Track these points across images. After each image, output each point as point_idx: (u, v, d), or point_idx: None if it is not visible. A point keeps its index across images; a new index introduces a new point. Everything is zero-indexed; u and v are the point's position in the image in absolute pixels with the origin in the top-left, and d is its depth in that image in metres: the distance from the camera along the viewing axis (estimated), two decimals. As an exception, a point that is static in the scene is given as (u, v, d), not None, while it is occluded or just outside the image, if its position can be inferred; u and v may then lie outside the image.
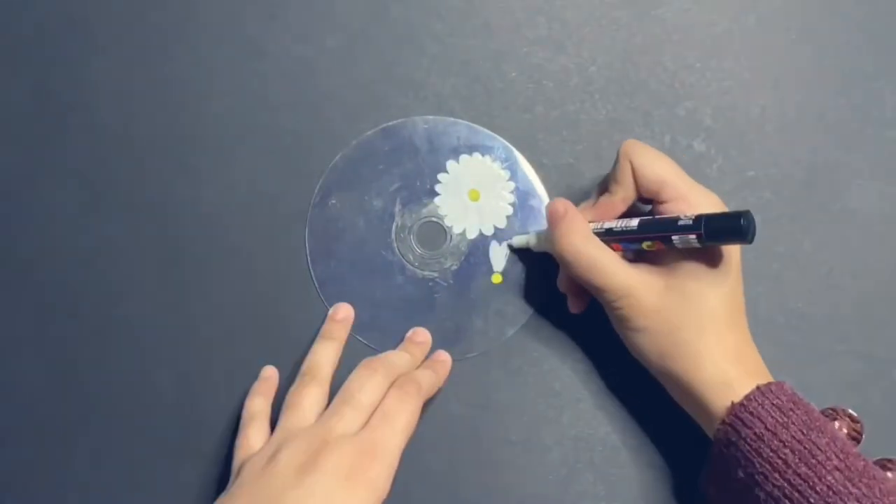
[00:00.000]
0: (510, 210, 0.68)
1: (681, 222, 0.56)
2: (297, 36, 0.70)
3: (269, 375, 0.65)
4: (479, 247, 0.68)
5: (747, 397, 0.55)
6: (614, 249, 0.61)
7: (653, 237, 0.58)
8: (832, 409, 0.59)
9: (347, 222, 0.68)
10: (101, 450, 0.65)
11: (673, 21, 0.71)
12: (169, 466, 0.65)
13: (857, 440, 0.58)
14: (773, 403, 0.54)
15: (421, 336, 0.66)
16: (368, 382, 0.59)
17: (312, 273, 0.67)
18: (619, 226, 0.60)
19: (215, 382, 0.66)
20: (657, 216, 0.59)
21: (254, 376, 0.65)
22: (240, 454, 0.59)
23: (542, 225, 0.66)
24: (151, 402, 0.66)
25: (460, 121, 0.69)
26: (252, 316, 0.67)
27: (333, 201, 0.68)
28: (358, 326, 0.66)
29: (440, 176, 0.68)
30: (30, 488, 0.65)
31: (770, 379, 0.57)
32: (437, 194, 0.68)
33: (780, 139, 0.69)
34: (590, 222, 0.62)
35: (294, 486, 0.53)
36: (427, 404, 0.62)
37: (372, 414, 0.58)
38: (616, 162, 0.61)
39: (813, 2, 0.71)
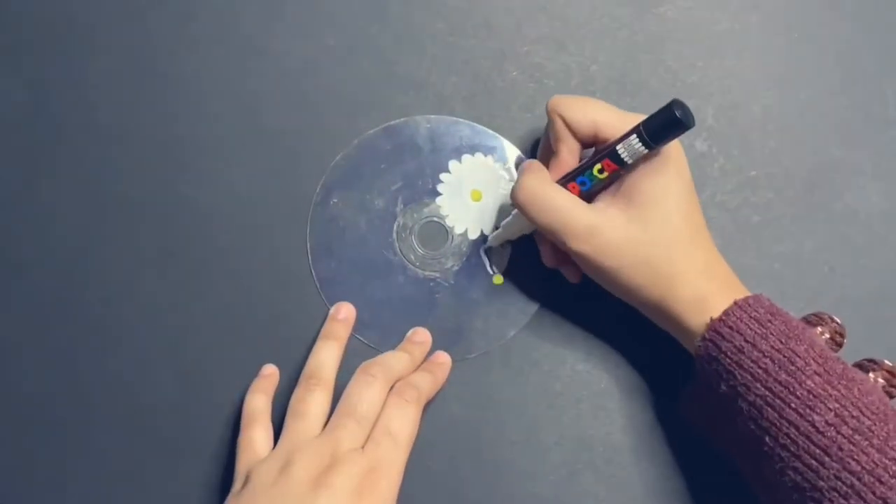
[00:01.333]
0: (512, 210, 0.67)
1: (620, 149, 0.58)
2: (296, 35, 0.70)
3: (270, 373, 0.65)
4: (481, 247, 0.68)
5: (726, 312, 0.56)
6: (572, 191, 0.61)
7: (600, 158, 0.59)
8: (816, 315, 0.59)
9: (349, 221, 0.68)
10: (101, 450, 0.65)
11: (674, 20, 0.71)
12: (169, 466, 0.65)
13: (839, 344, 0.58)
14: (751, 316, 0.55)
15: (421, 336, 0.66)
16: (368, 392, 0.60)
17: (313, 272, 0.67)
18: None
19: (216, 382, 0.66)
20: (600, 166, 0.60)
21: (254, 376, 0.65)
22: (244, 457, 0.60)
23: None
24: (151, 401, 0.66)
25: (463, 120, 0.69)
26: (253, 315, 0.67)
27: (335, 200, 0.68)
28: (358, 326, 0.66)
29: (442, 176, 0.68)
30: (30, 488, 0.65)
31: (745, 291, 0.58)
32: (438, 194, 0.68)
33: (781, 138, 0.69)
34: None
35: (308, 502, 0.54)
36: (426, 406, 0.62)
37: (375, 422, 0.59)
38: (548, 122, 0.62)
39: (815, 2, 0.71)
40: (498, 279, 0.67)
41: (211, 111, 0.69)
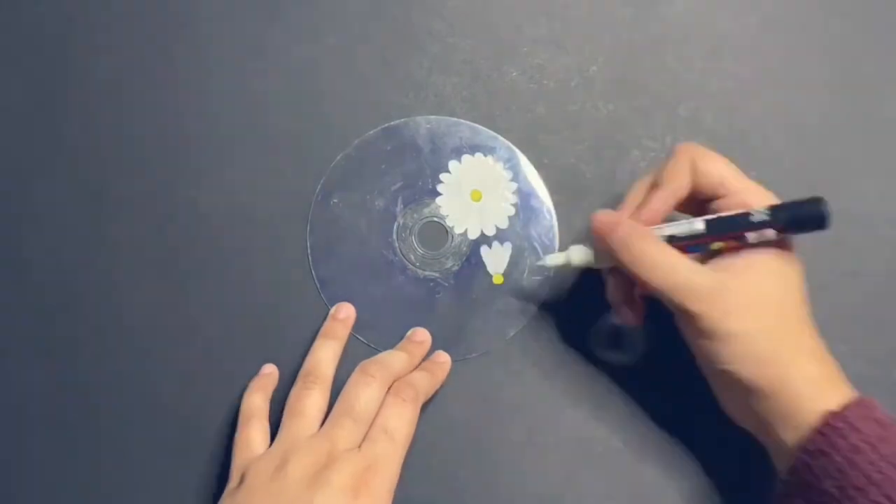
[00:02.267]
0: (512, 211, 0.67)
1: (754, 217, 0.56)
2: (297, 35, 0.70)
3: (269, 372, 0.65)
4: (481, 247, 0.68)
5: (846, 407, 0.52)
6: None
7: (725, 237, 0.57)
8: None
9: (349, 222, 0.68)
10: (101, 449, 0.65)
11: (675, 21, 0.71)
12: (169, 466, 0.65)
13: None
14: (871, 416, 0.52)
15: (420, 336, 0.66)
16: (366, 392, 0.60)
17: (313, 272, 0.67)
18: (681, 231, 0.58)
19: (216, 382, 0.66)
20: (721, 214, 0.57)
21: (254, 375, 0.65)
22: (241, 454, 0.60)
23: (545, 227, 0.66)
24: (151, 401, 0.66)
25: (463, 121, 0.69)
26: (252, 315, 0.67)
27: (335, 200, 0.68)
28: (358, 326, 0.66)
29: (442, 176, 0.68)
30: (30, 488, 0.65)
31: (845, 381, 0.55)
32: (438, 194, 0.68)
33: (781, 140, 0.69)
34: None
35: (305, 500, 0.54)
36: (424, 405, 0.62)
37: (372, 422, 0.59)
38: (671, 159, 0.59)
39: (815, 2, 0.71)
40: (498, 279, 0.67)
41: (211, 111, 0.69)
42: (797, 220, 0.55)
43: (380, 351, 0.65)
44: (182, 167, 0.69)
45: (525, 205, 0.68)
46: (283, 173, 0.68)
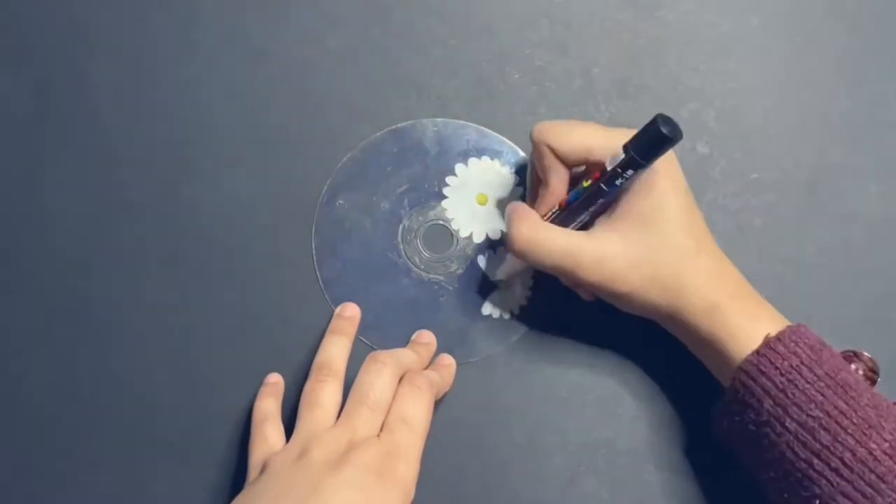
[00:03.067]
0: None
1: (609, 166, 0.57)
2: (299, 37, 0.70)
3: (276, 381, 0.65)
4: (477, 256, 0.67)
5: (781, 332, 0.55)
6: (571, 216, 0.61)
7: (599, 200, 0.59)
8: (849, 353, 0.59)
9: (354, 223, 0.67)
10: (105, 452, 0.65)
11: (676, 23, 0.71)
12: (173, 469, 0.65)
13: (874, 381, 0.58)
14: (804, 341, 0.55)
15: (426, 337, 0.66)
16: (379, 379, 0.59)
17: (318, 273, 0.67)
18: (555, 210, 0.61)
19: (220, 383, 0.66)
20: (586, 178, 0.60)
21: (258, 377, 0.65)
22: (259, 449, 0.59)
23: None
24: (154, 402, 0.65)
25: (470, 124, 0.69)
26: (257, 316, 0.66)
27: (341, 202, 0.68)
28: (363, 328, 0.66)
29: (448, 179, 0.68)
30: (30, 488, 0.65)
31: (756, 296, 0.59)
32: (444, 197, 0.68)
33: (783, 141, 0.69)
34: (543, 217, 0.62)
35: (330, 477, 0.53)
36: (434, 407, 0.62)
37: (387, 410, 0.59)
38: (533, 151, 0.62)
39: (816, 3, 0.71)
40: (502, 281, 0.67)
41: (215, 113, 0.69)
42: (641, 142, 0.56)
43: (384, 354, 0.65)
44: (186, 169, 0.68)
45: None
46: (287, 175, 0.68)
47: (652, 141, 0.55)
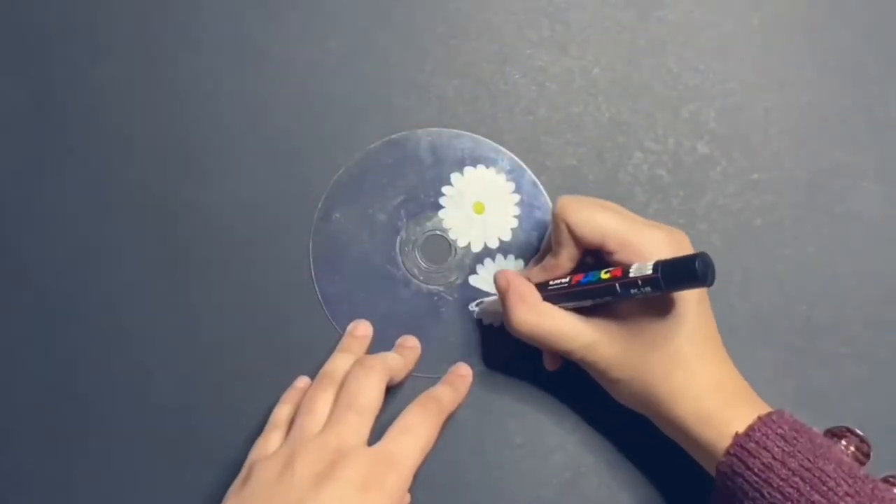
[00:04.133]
0: (515, 223, 0.67)
1: (632, 273, 0.56)
2: (298, 39, 0.70)
3: (302, 386, 0.64)
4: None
5: (751, 427, 0.54)
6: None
7: (607, 297, 0.58)
8: (840, 429, 0.59)
9: (352, 236, 0.67)
10: (105, 453, 0.66)
11: (676, 23, 0.70)
12: (172, 471, 0.65)
13: (865, 457, 0.58)
14: (776, 433, 0.54)
15: (411, 342, 0.66)
16: (366, 382, 0.59)
17: (316, 287, 0.67)
18: (563, 282, 0.61)
19: (219, 397, 0.66)
20: (607, 269, 0.58)
21: (256, 387, 0.65)
22: (255, 452, 0.59)
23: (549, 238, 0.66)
24: (152, 406, 0.66)
25: (465, 133, 0.69)
26: (255, 328, 0.67)
27: (337, 215, 0.68)
28: (364, 340, 0.66)
29: (445, 189, 0.68)
30: (30, 489, 0.65)
31: (758, 401, 0.58)
32: (441, 207, 0.68)
33: (784, 142, 0.69)
34: (542, 283, 0.62)
35: (311, 495, 0.53)
36: (446, 421, 0.62)
37: (376, 415, 0.58)
38: (552, 223, 0.61)
39: (817, 4, 0.71)
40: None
41: (214, 115, 0.69)
42: (671, 277, 0.54)
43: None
44: (182, 181, 0.68)
45: (528, 217, 0.68)
46: (284, 187, 0.68)
47: (682, 275, 0.54)
